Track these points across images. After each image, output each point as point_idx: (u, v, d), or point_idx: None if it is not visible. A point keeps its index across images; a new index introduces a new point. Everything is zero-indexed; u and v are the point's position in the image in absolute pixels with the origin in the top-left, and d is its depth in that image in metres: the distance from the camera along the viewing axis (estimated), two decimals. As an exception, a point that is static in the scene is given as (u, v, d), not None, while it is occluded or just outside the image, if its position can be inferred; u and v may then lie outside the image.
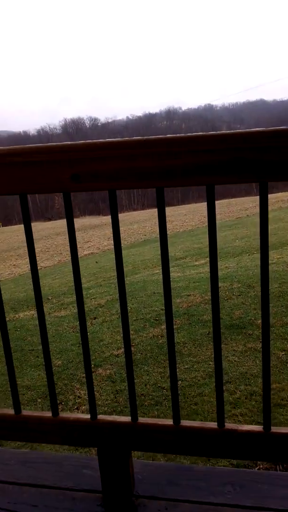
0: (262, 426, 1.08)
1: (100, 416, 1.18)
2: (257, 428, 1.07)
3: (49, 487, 1.27)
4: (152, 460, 2.68)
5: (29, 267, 1.26)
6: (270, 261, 7.63)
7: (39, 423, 1.21)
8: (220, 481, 1.20)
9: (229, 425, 1.08)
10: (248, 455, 1.09)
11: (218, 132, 0.96)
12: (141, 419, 1.15)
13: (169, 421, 1.13)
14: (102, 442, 1.17)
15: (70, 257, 1.15)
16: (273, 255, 7.66)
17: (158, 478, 1.24)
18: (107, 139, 1.02)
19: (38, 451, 2.58)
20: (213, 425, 1.10)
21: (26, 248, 1.27)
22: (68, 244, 1.13)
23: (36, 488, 1.26)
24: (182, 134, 0.98)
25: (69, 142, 1.03)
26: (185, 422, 1.12)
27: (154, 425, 1.14)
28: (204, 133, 0.97)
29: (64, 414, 1.20)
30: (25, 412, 1.23)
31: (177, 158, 0.98)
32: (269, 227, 1.20)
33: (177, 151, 0.98)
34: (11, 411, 1.24)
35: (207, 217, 1.01)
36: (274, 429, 1.08)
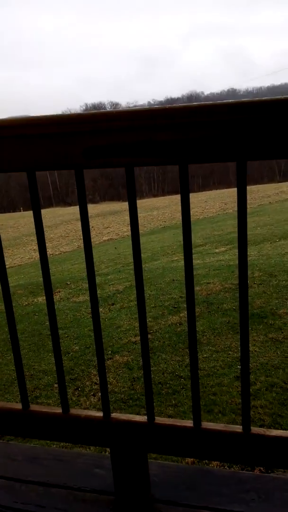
0: None
1: (113, 414, 1.08)
2: (287, 433, 0.96)
3: (58, 486, 1.18)
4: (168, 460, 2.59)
5: (40, 251, 1.17)
6: (280, 252, 7.41)
7: (48, 420, 1.13)
8: (243, 487, 1.09)
9: (255, 429, 0.97)
10: (277, 463, 0.98)
11: (256, 99, 0.82)
12: (158, 419, 1.05)
13: (189, 422, 1.02)
14: (115, 442, 1.08)
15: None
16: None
17: (176, 482, 1.14)
18: (123, 109, 0.91)
19: (48, 447, 2.51)
20: (238, 428, 0.99)
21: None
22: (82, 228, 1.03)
23: (44, 487, 1.18)
24: (210, 102, 0.86)
25: (80, 112, 0.92)
26: (206, 424, 1.01)
27: (172, 426, 1.03)
28: (238, 100, 0.84)
29: (75, 411, 1.11)
30: (34, 406, 1.15)
31: (203, 129, 0.86)
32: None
33: (203, 121, 0.86)
34: (18, 405, 1.16)
35: (236, 196, 0.89)
36: None
